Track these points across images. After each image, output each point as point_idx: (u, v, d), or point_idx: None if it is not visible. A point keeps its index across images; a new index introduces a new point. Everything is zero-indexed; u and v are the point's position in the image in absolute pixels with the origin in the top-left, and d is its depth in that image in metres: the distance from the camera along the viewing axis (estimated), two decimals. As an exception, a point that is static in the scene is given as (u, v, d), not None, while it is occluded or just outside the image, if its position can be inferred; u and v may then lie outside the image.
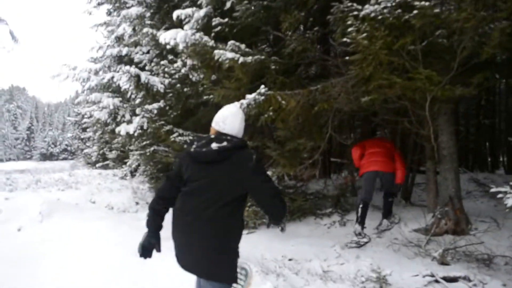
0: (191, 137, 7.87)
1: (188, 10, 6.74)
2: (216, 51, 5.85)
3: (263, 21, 6.36)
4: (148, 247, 2.86)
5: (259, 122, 5.91)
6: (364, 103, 5.48)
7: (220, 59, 5.90)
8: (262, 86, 5.50)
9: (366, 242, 6.31)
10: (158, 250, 2.90)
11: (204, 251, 2.65)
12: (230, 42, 5.96)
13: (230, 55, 5.78)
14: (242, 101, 5.55)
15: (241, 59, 5.78)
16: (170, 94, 8.67)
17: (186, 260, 2.75)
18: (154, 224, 2.90)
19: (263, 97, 5.54)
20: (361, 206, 6.61)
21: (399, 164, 6.89)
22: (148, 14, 9.78)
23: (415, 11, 4.43)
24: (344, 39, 5.03)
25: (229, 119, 2.85)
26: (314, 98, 6.01)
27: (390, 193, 7.04)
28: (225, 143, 2.71)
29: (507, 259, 5.23)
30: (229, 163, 2.67)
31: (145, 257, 2.88)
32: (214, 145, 2.72)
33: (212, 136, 2.80)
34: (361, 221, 6.51)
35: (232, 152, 2.69)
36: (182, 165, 2.84)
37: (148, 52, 11.26)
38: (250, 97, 5.50)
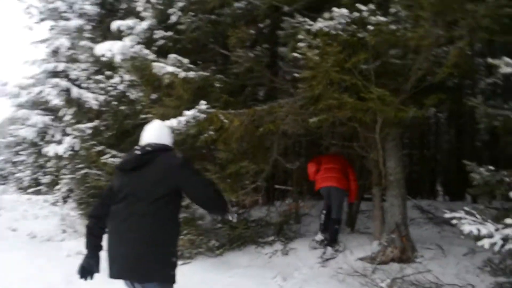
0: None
1: (129, 22, 6.21)
2: (155, 64, 5.33)
3: (209, 36, 5.94)
4: (87, 267, 2.79)
5: (199, 142, 5.42)
6: (312, 124, 5.14)
7: (159, 74, 5.39)
8: (203, 102, 5.03)
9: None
10: (97, 270, 2.81)
11: (137, 250, 2.58)
12: (172, 56, 5.47)
13: (170, 69, 5.28)
14: (180, 118, 5.04)
15: (183, 74, 5.30)
16: (106, 114, 8.00)
17: (119, 265, 2.63)
18: (90, 244, 2.83)
19: (203, 115, 5.07)
20: (324, 212, 6.86)
21: (352, 182, 6.89)
22: (88, 27, 9.12)
23: (370, 27, 4.18)
24: (295, 56, 4.73)
25: (151, 130, 2.97)
26: (259, 119, 5.62)
27: (336, 219, 6.84)
28: (147, 148, 2.80)
29: (455, 288, 4.99)
30: (154, 164, 2.70)
31: (85, 279, 2.79)
32: (136, 152, 2.81)
33: (137, 147, 2.89)
34: (325, 228, 6.77)
35: (154, 155, 2.74)
36: (113, 181, 2.89)
37: (87, 69, 10.51)
38: (189, 113, 5.00)
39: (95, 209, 2.92)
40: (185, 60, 5.55)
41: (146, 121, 7.70)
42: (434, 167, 12.51)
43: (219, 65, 6.25)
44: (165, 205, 2.66)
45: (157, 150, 2.78)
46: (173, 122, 5.02)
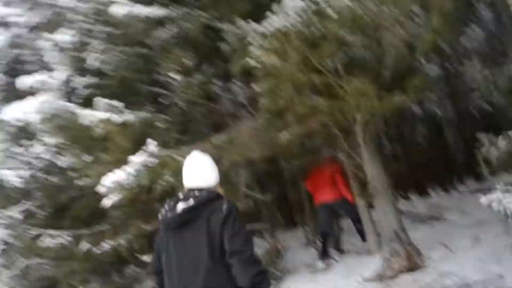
0: (69, 237, 5.98)
1: (41, 76, 5.12)
2: (84, 113, 4.33)
3: (140, 72, 5.00)
4: None
5: (155, 194, 4.42)
6: (283, 140, 4.33)
7: (91, 125, 4.39)
8: (152, 142, 4.07)
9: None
10: None
11: None
12: (101, 101, 4.49)
13: (103, 115, 4.30)
14: (126, 168, 4.05)
15: (119, 119, 4.33)
16: (35, 190, 6.70)
17: None
18: None
19: (155, 160, 4.12)
20: (321, 240, 6.45)
21: (343, 189, 6.41)
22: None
23: (332, 14, 3.49)
24: (246, 70, 3.96)
25: (192, 169, 2.52)
26: (220, 151, 4.74)
27: (354, 219, 6.54)
28: (191, 201, 2.35)
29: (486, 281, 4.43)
30: (201, 220, 2.31)
31: None
32: (179, 207, 2.37)
33: (180, 195, 2.44)
34: (324, 255, 6.37)
35: (200, 209, 2.33)
36: (159, 239, 2.53)
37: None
38: (137, 160, 4.02)
39: (155, 266, 2.57)
40: (118, 104, 4.59)
41: (84, 189, 6.70)
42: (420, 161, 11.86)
43: (157, 104, 5.30)
44: (223, 265, 2.25)
45: (202, 202, 2.35)
46: (119, 175, 4.01)
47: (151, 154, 4.07)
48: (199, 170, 2.52)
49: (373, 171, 5.64)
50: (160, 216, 2.47)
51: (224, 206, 2.32)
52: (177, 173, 4.64)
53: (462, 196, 9.07)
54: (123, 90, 5.10)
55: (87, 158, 5.69)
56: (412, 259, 5.37)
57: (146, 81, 5.12)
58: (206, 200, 2.37)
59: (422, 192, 12.21)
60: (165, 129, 4.79)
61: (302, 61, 3.68)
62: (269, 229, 7.50)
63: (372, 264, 5.60)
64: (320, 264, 6.28)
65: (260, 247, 7.34)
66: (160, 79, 4.97)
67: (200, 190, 2.41)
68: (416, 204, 9.06)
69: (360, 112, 3.95)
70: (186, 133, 5.31)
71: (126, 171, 4.06)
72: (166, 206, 2.45)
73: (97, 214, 6.70)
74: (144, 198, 5.43)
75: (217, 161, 5.21)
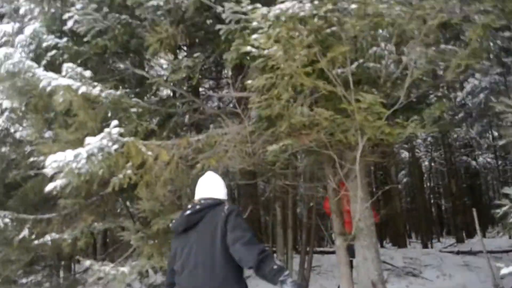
0: (9, 219, 5.11)
1: (6, 26, 4.37)
2: (42, 74, 3.58)
3: (121, 45, 4.27)
4: None
5: (110, 188, 3.65)
6: (271, 155, 3.63)
7: (52, 92, 3.64)
8: (115, 125, 3.33)
9: None
10: None
11: None
12: (67, 65, 3.75)
13: (65, 82, 3.56)
14: (80, 150, 3.30)
15: (84, 89, 3.59)
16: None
17: None
18: None
19: (116, 146, 3.38)
20: None
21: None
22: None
23: (353, 6, 2.87)
24: (241, 63, 3.28)
25: (203, 184, 2.76)
26: (196, 152, 4.02)
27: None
28: (197, 207, 2.59)
29: None
30: (204, 222, 2.50)
31: None
32: (187, 212, 2.60)
33: (189, 206, 2.69)
34: None
35: (204, 212, 2.54)
36: (172, 247, 2.71)
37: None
38: (94, 142, 3.27)
39: (168, 277, 2.69)
40: (87, 73, 3.85)
41: (39, 168, 5.85)
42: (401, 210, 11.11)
43: (134, 86, 4.54)
44: (232, 265, 2.37)
45: (206, 206, 2.57)
46: (68, 156, 3.26)
47: (113, 139, 3.33)
48: (210, 184, 2.73)
49: (361, 207, 5.00)
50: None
51: (226, 207, 2.48)
52: (140, 168, 3.95)
53: (442, 255, 8.49)
54: (98, 62, 4.38)
55: (46, 132, 4.97)
56: (386, 316, 4.69)
57: (126, 57, 4.41)
58: (210, 204, 2.56)
59: (400, 243, 11.65)
60: (138, 115, 4.06)
61: (309, 60, 3.02)
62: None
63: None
64: None
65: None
66: (143, 58, 4.28)
67: (206, 198, 2.63)
68: (394, 255, 8.42)
69: (366, 133, 3.28)
70: (162, 125, 4.59)
71: (78, 153, 3.31)
72: (176, 218, 2.72)
73: (48, 200, 5.88)
74: (99, 191, 4.68)
75: (189, 164, 4.57)
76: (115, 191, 4.82)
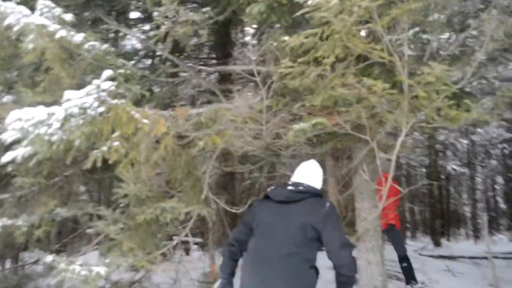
0: None
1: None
2: (9, 7, 2.67)
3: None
4: None
5: (90, 163, 2.80)
6: (294, 135, 2.90)
7: (18, 32, 2.74)
8: (108, 77, 2.47)
9: None
10: None
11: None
12: (42, 2, 2.85)
13: (40, 20, 2.68)
14: (55, 108, 2.44)
15: (62, 33, 2.72)
16: None
17: None
18: (230, 269, 2.67)
19: (102, 108, 2.54)
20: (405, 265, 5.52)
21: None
22: None
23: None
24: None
25: (305, 170, 2.84)
26: (196, 127, 3.23)
27: (401, 257, 5.60)
28: (300, 187, 2.69)
29: None
30: (303, 204, 2.60)
31: None
32: (289, 188, 2.71)
33: (289, 182, 2.79)
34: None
35: (306, 195, 2.64)
36: (257, 208, 2.78)
37: None
38: (76, 99, 2.42)
39: (239, 233, 2.72)
40: (68, 17, 2.96)
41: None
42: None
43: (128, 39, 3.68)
44: (308, 250, 2.50)
45: (309, 192, 2.66)
46: (37, 116, 2.39)
47: (101, 99, 2.50)
48: (313, 172, 2.82)
49: (362, 205, 4.41)
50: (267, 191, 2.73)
51: (328, 203, 2.62)
52: (129, 139, 3.12)
53: (422, 258, 8.12)
54: (85, 5, 3.47)
55: (4, 97, 4.00)
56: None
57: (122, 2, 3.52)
58: (312, 191, 2.66)
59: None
60: (127, 76, 3.21)
61: (357, 25, 2.34)
62: (210, 248, 5.94)
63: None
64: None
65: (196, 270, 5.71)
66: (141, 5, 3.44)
67: (308, 185, 2.71)
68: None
69: (417, 115, 2.64)
70: (152, 95, 3.75)
71: (52, 113, 2.46)
72: (273, 188, 2.77)
73: (4, 176, 4.87)
74: (69, 169, 3.81)
75: (185, 141, 3.78)
76: (84, 171, 3.98)
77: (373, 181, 4.47)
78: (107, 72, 2.44)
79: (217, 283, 2.74)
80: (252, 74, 3.15)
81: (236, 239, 2.69)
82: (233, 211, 3.77)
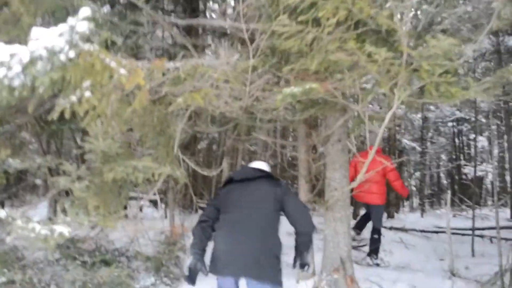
0: None
1: None
2: None
3: None
4: (194, 270, 2.81)
5: (56, 113, 2.48)
6: (282, 99, 2.71)
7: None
8: (84, 16, 2.14)
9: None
10: (205, 273, 2.81)
11: (258, 254, 2.72)
12: None
13: None
14: (19, 48, 2.09)
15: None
16: None
17: (237, 265, 2.73)
18: (200, 245, 2.88)
19: (73, 53, 2.22)
20: (376, 238, 5.79)
21: (400, 188, 5.85)
22: None
23: None
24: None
25: (257, 163, 3.30)
26: (174, 82, 2.96)
27: (375, 229, 5.85)
28: (259, 167, 3.17)
29: None
30: (265, 181, 3.01)
31: (192, 281, 2.81)
32: (252, 165, 3.23)
33: (248, 166, 3.28)
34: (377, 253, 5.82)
35: (265, 174, 3.09)
36: (223, 190, 3.06)
37: None
38: (46, 39, 2.09)
39: (210, 212, 3.00)
40: None
41: None
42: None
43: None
44: (275, 219, 2.89)
45: (267, 172, 3.11)
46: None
47: (73, 42, 2.17)
48: (262, 165, 3.25)
49: (334, 175, 4.37)
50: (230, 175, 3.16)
51: (282, 182, 3.11)
52: (102, 86, 2.81)
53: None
54: None
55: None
56: (352, 301, 4.17)
57: None
58: (268, 172, 3.13)
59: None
60: (96, 20, 2.85)
61: None
62: (171, 208, 5.74)
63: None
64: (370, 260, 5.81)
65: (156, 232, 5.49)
66: None
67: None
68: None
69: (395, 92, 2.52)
70: (124, 43, 3.40)
71: (14, 54, 2.12)
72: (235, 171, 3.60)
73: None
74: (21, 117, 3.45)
75: (158, 95, 3.49)
76: (38, 120, 3.63)
77: (344, 152, 4.44)
78: (85, 11, 2.10)
79: (189, 260, 2.81)
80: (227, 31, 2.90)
81: (207, 216, 2.98)
82: (204, 173, 3.58)
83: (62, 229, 2.59)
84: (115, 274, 3.93)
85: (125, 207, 3.77)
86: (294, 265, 3.00)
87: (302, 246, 2.94)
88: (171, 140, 3.33)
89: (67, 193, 3.55)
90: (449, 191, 6.22)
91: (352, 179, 5.83)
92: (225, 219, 2.89)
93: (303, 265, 2.97)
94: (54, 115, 2.44)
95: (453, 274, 5.03)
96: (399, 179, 5.81)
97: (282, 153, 5.65)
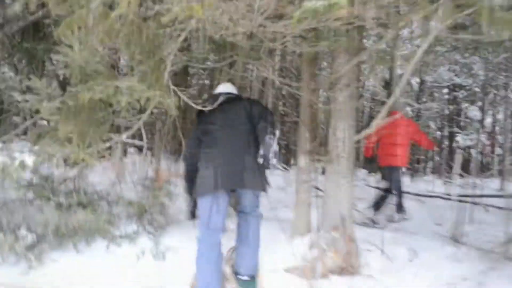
0: None
1: None
2: None
3: None
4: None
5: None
6: (296, 19, 2.20)
7: None
8: None
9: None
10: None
11: (249, 167, 3.08)
12: None
13: None
14: None
15: None
16: None
17: (231, 179, 3.03)
18: (191, 189, 3.27)
19: None
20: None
21: (429, 144, 6.37)
22: None
23: None
24: None
25: (226, 85, 3.65)
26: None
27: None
28: (230, 92, 3.51)
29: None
30: (238, 102, 3.34)
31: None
32: (223, 93, 3.45)
33: (217, 93, 3.50)
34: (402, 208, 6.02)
35: (236, 96, 3.47)
36: (202, 118, 3.32)
37: None
38: None
39: (195, 147, 3.25)
40: None
41: None
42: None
43: None
44: (253, 132, 3.18)
45: (236, 94, 3.54)
46: None
47: None
48: (231, 86, 3.66)
49: (340, 125, 3.93)
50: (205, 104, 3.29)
51: (251, 98, 3.93)
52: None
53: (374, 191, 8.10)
54: None
55: None
56: (350, 259, 3.83)
57: None
58: (238, 94, 3.57)
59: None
60: None
61: None
62: (156, 150, 5.23)
63: (291, 247, 3.90)
64: (397, 216, 5.99)
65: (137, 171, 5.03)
66: None
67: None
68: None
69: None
70: None
71: None
72: (209, 100, 3.43)
73: None
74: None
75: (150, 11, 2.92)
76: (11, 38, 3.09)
77: (353, 99, 3.98)
78: None
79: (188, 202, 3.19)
80: None
81: (193, 154, 3.26)
82: (198, 107, 3.09)
83: (25, 158, 2.11)
84: (92, 218, 3.49)
85: (109, 147, 3.30)
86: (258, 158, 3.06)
87: (267, 145, 2.98)
88: (162, 65, 2.81)
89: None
90: (458, 155, 5.94)
91: (372, 150, 6.09)
92: (210, 142, 3.14)
93: (264, 157, 3.02)
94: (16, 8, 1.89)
95: (456, 240, 4.72)
96: (425, 137, 6.12)
97: (283, 95, 5.16)
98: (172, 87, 3.11)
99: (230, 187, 3.07)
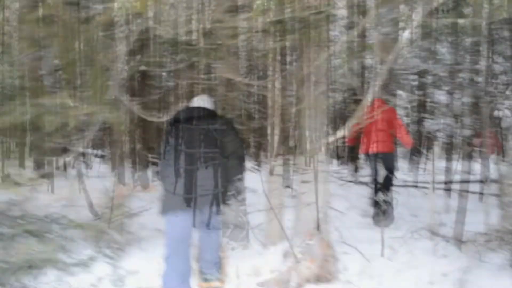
0: None
1: None
2: None
3: None
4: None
5: None
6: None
7: None
8: None
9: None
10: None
11: (212, 191, 3.11)
12: None
13: None
14: None
15: None
16: None
17: (198, 200, 3.06)
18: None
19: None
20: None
21: (404, 136, 5.88)
22: None
23: None
24: None
25: (200, 100, 3.40)
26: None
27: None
28: (202, 106, 3.30)
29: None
30: (211, 122, 3.17)
31: None
32: (195, 108, 3.29)
33: (189, 107, 3.36)
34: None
35: (209, 112, 3.27)
36: (173, 129, 3.18)
37: None
38: None
39: (168, 162, 3.17)
40: None
41: None
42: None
43: None
44: (218, 161, 3.13)
45: (210, 110, 3.30)
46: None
47: None
48: (207, 100, 3.42)
49: (317, 122, 3.63)
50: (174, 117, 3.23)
51: (230, 118, 3.73)
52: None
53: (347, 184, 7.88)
54: None
55: None
56: (327, 265, 3.57)
57: None
58: (212, 111, 3.32)
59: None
60: None
61: None
62: (116, 165, 4.78)
63: (272, 260, 3.61)
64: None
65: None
66: None
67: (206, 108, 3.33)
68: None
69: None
70: None
71: None
72: (178, 113, 3.29)
73: None
74: None
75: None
76: None
77: (325, 96, 3.69)
78: None
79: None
80: None
81: (164, 165, 3.21)
82: (153, 119, 2.73)
83: None
84: (40, 248, 3.07)
85: (64, 166, 2.85)
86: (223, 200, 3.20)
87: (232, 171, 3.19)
88: (105, 74, 2.42)
89: None
90: (436, 142, 5.87)
91: (355, 138, 5.90)
92: (176, 159, 3.08)
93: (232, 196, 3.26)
94: None
95: (434, 233, 4.54)
96: (405, 132, 5.86)
97: (251, 94, 4.84)
98: (123, 98, 2.72)
99: (193, 206, 3.06)
